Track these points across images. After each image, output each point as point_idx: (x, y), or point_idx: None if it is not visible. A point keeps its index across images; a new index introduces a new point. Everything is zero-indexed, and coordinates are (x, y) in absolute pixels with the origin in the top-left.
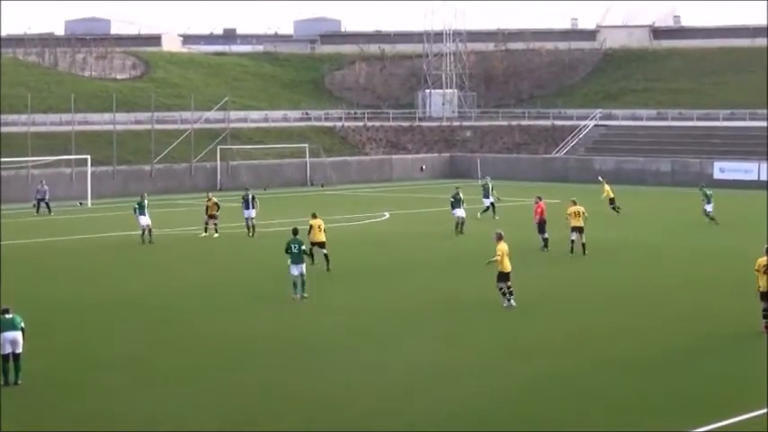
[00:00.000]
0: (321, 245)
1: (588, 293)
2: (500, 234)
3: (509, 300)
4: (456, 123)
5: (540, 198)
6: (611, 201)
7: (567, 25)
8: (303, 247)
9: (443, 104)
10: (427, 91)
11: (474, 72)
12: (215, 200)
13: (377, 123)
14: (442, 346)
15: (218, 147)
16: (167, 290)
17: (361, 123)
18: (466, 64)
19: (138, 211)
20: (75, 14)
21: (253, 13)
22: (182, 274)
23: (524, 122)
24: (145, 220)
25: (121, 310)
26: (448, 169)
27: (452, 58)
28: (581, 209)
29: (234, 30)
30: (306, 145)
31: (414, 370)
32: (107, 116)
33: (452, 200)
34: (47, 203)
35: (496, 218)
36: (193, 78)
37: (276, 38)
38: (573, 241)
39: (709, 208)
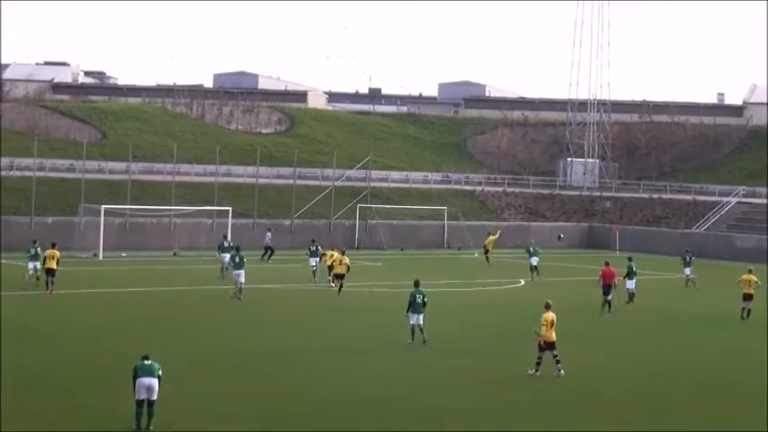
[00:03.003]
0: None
1: None
2: (548, 303)
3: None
4: (596, 193)
5: (607, 263)
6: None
7: (713, 100)
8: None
9: (584, 174)
10: (569, 159)
11: (616, 143)
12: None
13: (516, 189)
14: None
15: (358, 205)
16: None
17: (500, 188)
18: (609, 134)
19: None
20: (225, 68)
21: (398, 74)
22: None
23: (665, 196)
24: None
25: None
26: (586, 239)
27: (595, 128)
28: (754, 278)
29: (379, 89)
30: (445, 207)
31: None
32: (250, 169)
33: (627, 271)
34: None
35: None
36: (337, 136)
37: (420, 99)
38: (743, 308)
39: (687, 271)
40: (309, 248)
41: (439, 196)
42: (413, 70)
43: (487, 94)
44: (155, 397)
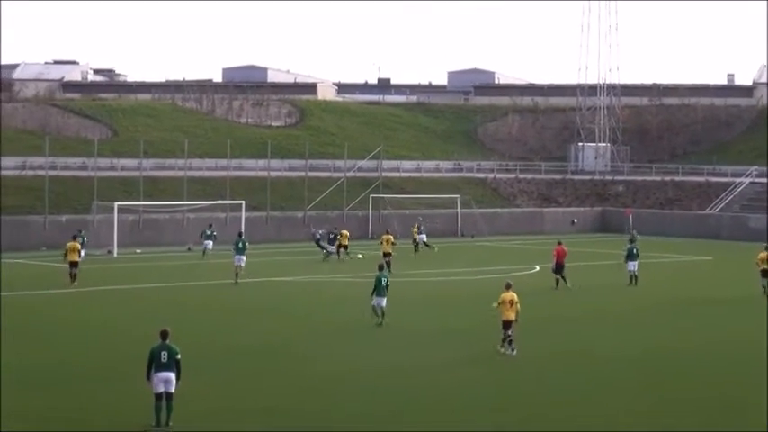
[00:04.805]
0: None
1: None
2: (508, 283)
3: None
4: (608, 178)
5: (559, 243)
6: None
7: (723, 81)
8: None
9: (596, 158)
10: (580, 144)
11: (627, 126)
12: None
13: (528, 176)
14: None
15: (371, 195)
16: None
17: (512, 175)
18: (619, 118)
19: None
20: (233, 62)
21: (407, 63)
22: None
23: (678, 178)
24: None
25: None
26: (599, 223)
27: (606, 112)
28: None
29: (388, 80)
30: (457, 196)
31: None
32: (262, 162)
33: (626, 253)
34: None
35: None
36: (347, 127)
37: (430, 88)
38: (764, 286)
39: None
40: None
41: (451, 185)
42: (422, 60)
43: (497, 82)
44: (172, 389)
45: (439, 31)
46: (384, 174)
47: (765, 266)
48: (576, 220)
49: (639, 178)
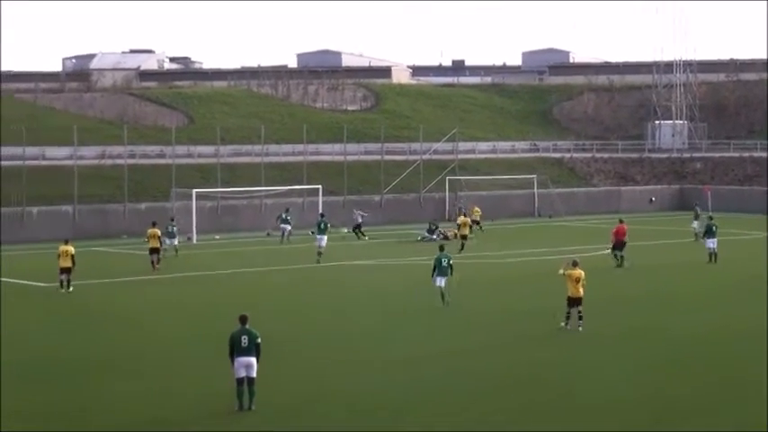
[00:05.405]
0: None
1: None
2: (575, 261)
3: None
4: (686, 155)
5: (621, 221)
6: None
7: None
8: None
9: (673, 136)
10: (657, 122)
11: (704, 103)
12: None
13: (605, 155)
14: None
15: (447, 177)
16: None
17: (589, 155)
18: (696, 95)
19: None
20: (308, 47)
21: (481, 44)
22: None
23: (756, 154)
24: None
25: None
26: (677, 201)
27: (682, 89)
28: None
29: (462, 61)
30: (534, 176)
31: None
32: (338, 147)
33: (705, 230)
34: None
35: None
36: (422, 110)
37: (504, 69)
38: None
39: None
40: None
41: (527, 165)
42: (496, 40)
43: (572, 60)
44: (254, 374)
45: (513, 11)
46: (459, 156)
47: None
48: (653, 199)
49: (717, 155)
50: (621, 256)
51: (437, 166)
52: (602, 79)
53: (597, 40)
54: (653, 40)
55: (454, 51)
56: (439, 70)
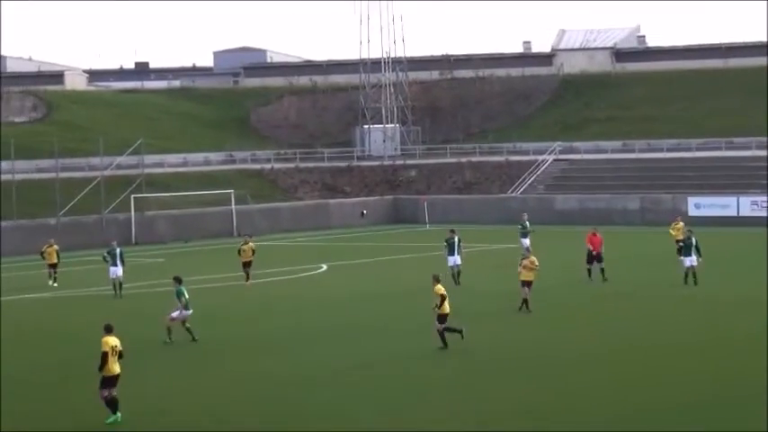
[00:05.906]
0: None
1: None
2: (436, 276)
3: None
4: (399, 162)
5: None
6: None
7: (519, 49)
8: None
9: (384, 141)
10: (365, 127)
11: (417, 104)
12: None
13: (310, 164)
14: None
15: (132, 195)
16: None
17: (292, 165)
18: (408, 95)
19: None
20: None
21: (167, 44)
22: None
23: (475, 159)
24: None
25: None
26: (392, 214)
27: (393, 89)
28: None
29: (146, 63)
30: (231, 191)
31: None
32: (5, 164)
33: (446, 244)
34: None
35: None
36: (102, 119)
37: (194, 71)
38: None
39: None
40: None
41: (224, 179)
42: (184, 40)
43: (269, 60)
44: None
45: (202, 7)
46: (146, 170)
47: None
48: (365, 212)
49: (433, 161)
50: (602, 269)
51: (121, 182)
52: (303, 80)
53: (297, 37)
54: (357, 35)
55: (138, 53)
56: (120, 74)
